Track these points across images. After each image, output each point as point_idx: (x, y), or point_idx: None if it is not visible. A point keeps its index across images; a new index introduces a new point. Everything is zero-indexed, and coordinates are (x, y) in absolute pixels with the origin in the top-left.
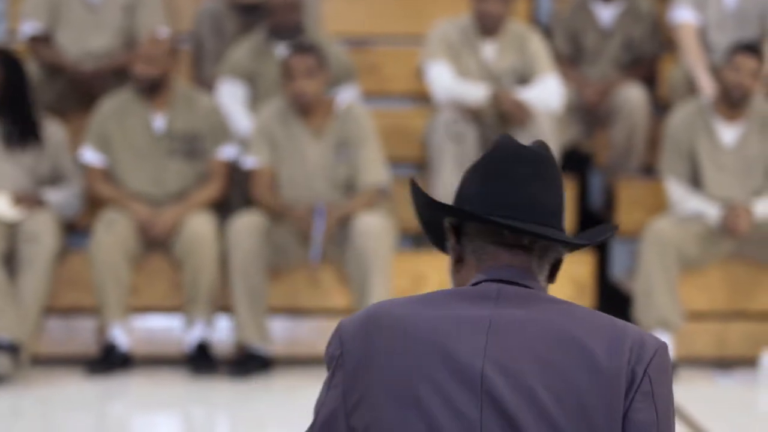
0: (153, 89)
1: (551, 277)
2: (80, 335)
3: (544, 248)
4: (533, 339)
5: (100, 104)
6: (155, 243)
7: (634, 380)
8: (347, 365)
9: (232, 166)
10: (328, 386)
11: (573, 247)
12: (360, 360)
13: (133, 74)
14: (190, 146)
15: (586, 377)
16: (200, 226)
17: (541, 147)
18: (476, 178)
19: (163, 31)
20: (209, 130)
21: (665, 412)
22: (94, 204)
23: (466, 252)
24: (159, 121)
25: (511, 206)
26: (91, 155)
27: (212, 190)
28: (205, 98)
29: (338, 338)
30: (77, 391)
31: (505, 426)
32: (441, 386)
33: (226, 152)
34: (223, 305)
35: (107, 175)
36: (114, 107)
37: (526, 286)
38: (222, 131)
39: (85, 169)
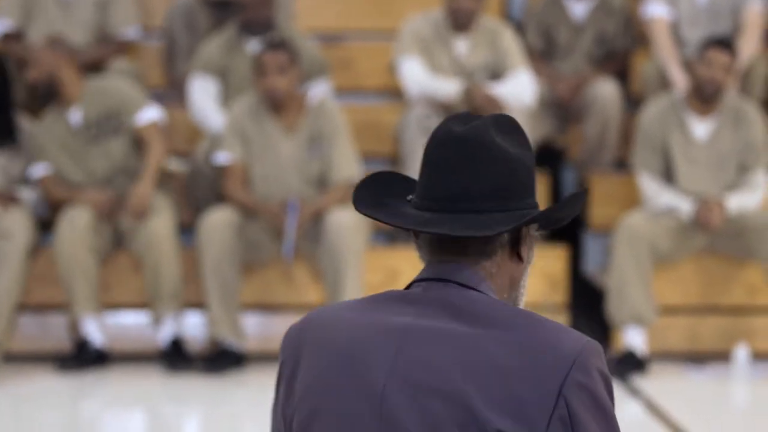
0: (53, 89)
1: (515, 253)
2: (53, 332)
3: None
4: (443, 359)
5: (22, 121)
6: (139, 217)
7: (550, 405)
8: (284, 374)
9: (159, 125)
10: (275, 398)
11: (491, 233)
12: (293, 370)
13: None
14: (109, 125)
15: (487, 408)
16: (157, 223)
17: (477, 126)
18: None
19: (58, 37)
20: (120, 104)
21: None
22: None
23: (419, 249)
24: (75, 115)
25: (432, 198)
26: (38, 167)
27: (155, 153)
28: (107, 79)
29: (282, 346)
30: (50, 388)
31: None
32: (343, 401)
33: (147, 114)
34: (195, 301)
35: (56, 180)
36: (42, 115)
37: (458, 283)
38: (133, 99)
39: (39, 182)
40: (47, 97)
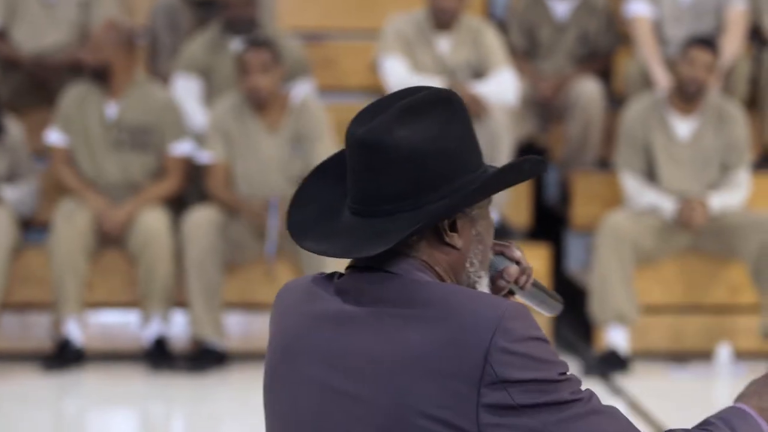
0: (102, 77)
1: (444, 243)
2: (35, 331)
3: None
4: (370, 343)
5: (67, 89)
6: (109, 238)
7: (477, 375)
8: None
9: (188, 162)
10: None
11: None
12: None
13: (91, 62)
14: (140, 139)
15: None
16: (154, 221)
17: (376, 126)
18: None
19: (121, 20)
20: (164, 124)
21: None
22: (50, 198)
23: None
24: (111, 110)
25: (353, 201)
26: (56, 136)
27: (169, 185)
28: (162, 92)
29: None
30: (33, 388)
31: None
32: (282, 389)
33: (182, 148)
34: (178, 300)
35: (70, 157)
36: (76, 93)
37: (384, 270)
38: (178, 126)
39: (50, 151)
40: (99, 78)
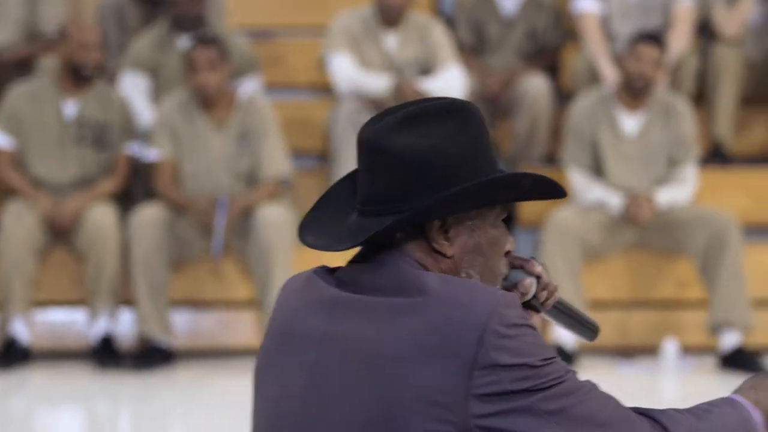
0: (86, 77)
1: (432, 249)
2: None
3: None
4: (369, 329)
5: (11, 88)
6: (59, 234)
7: (471, 354)
8: None
9: (135, 160)
10: None
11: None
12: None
13: (76, 60)
14: (99, 135)
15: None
16: (102, 218)
17: (380, 129)
18: None
19: (89, 20)
20: (119, 123)
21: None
22: None
23: None
24: (70, 108)
25: (358, 201)
26: (0, 137)
27: (115, 182)
28: (115, 91)
29: None
30: None
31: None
32: (277, 373)
33: (132, 148)
34: (125, 298)
35: (14, 158)
36: (27, 91)
37: (381, 262)
38: (131, 127)
39: None
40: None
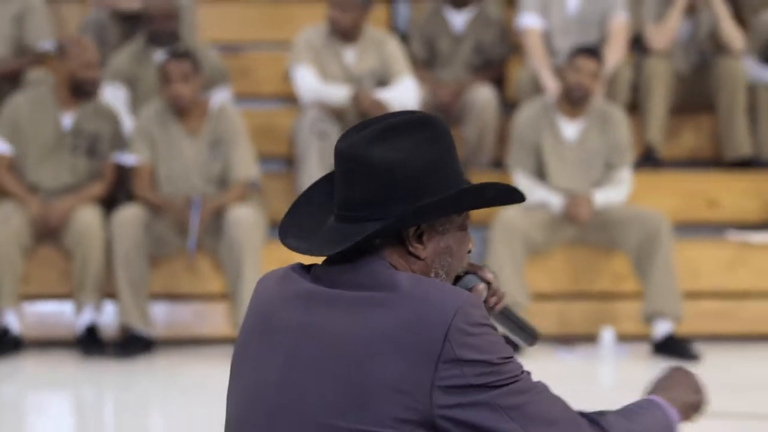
0: (87, 92)
1: (407, 252)
2: None
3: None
4: (341, 320)
5: (12, 98)
6: (46, 235)
7: (437, 350)
8: None
9: (121, 167)
10: None
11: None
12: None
13: (79, 77)
14: (92, 145)
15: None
16: (88, 218)
17: (357, 141)
18: None
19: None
20: (110, 133)
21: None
22: None
23: None
24: (67, 120)
25: (336, 206)
26: None
27: (102, 187)
28: (106, 104)
29: None
30: None
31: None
32: (255, 353)
33: (120, 157)
34: (108, 292)
35: (10, 163)
36: (27, 101)
37: (355, 261)
38: (121, 138)
39: None
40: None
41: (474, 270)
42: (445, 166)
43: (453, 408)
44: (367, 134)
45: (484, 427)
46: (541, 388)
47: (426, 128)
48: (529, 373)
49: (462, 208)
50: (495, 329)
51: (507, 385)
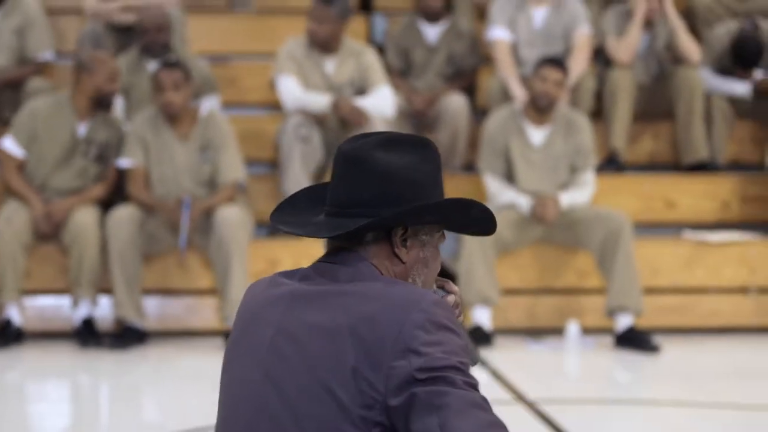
0: (107, 104)
1: (393, 254)
2: None
3: (359, 232)
4: (321, 311)
5: (31, 103)
6: (48, 233)
7: (395, 338)
8: None
9: (120, 172)
10: None
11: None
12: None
13: (105, 91)
14: (101, 152)
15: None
16: (85, 217)
17: (361, 145)
18: None
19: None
20: (117, 142)
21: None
22: None
23: None
24: (82, 128)
25: (330, 204)
26: (12, 145)
27: (103, 189)
28: (113, 116)
29: None
30: None
31: (268, 388)
32: (240, 356)
33: (123, 163)
34: (104, 286)
35: (21, 165)
36: (45, 107)
37: (337, 262)
38: (123, 145)
39: (3, 155)
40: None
41: (441, 284)
42: (435, 183)
43: (396, 396)
44: (372, 140)
45: (411, 420)
46: (479, 404)
47: (424, 149)
48: (476, 387)
49: (449, 218)
50: (458, 335)
51: (450, 387)
